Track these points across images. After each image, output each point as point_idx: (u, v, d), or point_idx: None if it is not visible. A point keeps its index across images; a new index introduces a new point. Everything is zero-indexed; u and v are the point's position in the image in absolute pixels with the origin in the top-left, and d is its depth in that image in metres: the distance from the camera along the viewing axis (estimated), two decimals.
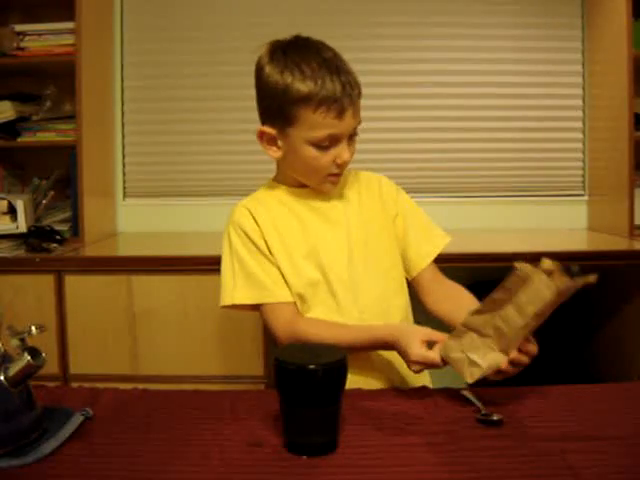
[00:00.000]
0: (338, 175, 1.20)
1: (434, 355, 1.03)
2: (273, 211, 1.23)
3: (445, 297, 1.25)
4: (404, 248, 1.29)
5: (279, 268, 1.20)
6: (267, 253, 1.20)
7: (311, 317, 1.20)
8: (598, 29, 2.41)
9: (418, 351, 1.03)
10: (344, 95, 1.11)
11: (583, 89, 2.54)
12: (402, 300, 1.27)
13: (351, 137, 1.18)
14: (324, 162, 1.16)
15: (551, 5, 2.52)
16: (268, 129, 1.18)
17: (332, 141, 1.14)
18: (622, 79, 2.19)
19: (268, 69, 1.16)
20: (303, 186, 1.25)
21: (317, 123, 1.12)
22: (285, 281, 1.20)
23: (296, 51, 1.15)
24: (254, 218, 1.21)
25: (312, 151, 1.15)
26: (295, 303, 1.20)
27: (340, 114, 1.12)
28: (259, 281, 1.18)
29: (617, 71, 2.24)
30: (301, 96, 1.11)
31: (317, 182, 1.21)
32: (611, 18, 2.29)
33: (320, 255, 1.21)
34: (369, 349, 1.16)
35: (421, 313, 1.29)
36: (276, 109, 1.15)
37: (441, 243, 1.30)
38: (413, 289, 1.31)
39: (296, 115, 1.13)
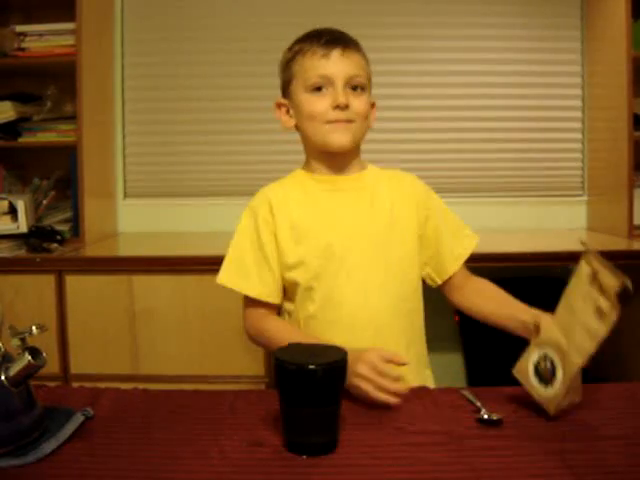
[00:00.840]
0: (341, 122, 1.18)
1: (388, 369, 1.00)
2: (295, 202, 1.23)
3: (473, 292, 1.26)
4: (436, 250, 1.27)
5: (278, 263, 1.20)
6: (268, 250, 1.20)
7: (281, 320, 1.23)
8: (598, 29, 2.41)
9: (375, 357, 1.01)
10: (331, 40, 1.18)
11: (583, 89, 2.54)
12: (414, 304, 1.25)
13: (354, 88, 1.19)
14: (321, 106, 1.18)
15: (551, 5, 2.53)
16: (282, 100, 1.26)
17: (326, 83, 1.18)
18: (622, 79, 2.19)
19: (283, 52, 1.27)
20: (332, 174, 1.25)
21: (308, 66, 1.19)
22: (278, 280, 1.20)
23: (309, 32, 1.24)
24: (272, 209, 1.22)
25: (308, 97, 1.19)
26: (274, 306, 1.22)
27: (326, 54, 1.17)
28: (245, 270, 1.20)
29: (617, 71, 2.24)
30: (295, 51, 1.21)
31: (321, 134, 1.20)
32: (611, 18, 2.29)
33: (337, 250, 1.19)
34: None
35: (432, 316, 1.28)
36: (283, 77, 1.25)
37: (471, 244, 1.29)
38: (439, 287, 1.30)
39: (293, 69, 1.21)
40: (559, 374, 0.96)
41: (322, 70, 1.17)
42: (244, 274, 1.21)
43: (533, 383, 0.98)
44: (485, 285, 1.26)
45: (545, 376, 0.97)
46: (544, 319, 1.02)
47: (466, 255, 1.28)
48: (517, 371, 1.01)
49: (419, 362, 1.25)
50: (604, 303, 0.93)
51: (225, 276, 1.22)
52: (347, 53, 1.18)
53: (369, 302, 1.19)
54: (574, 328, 0.96)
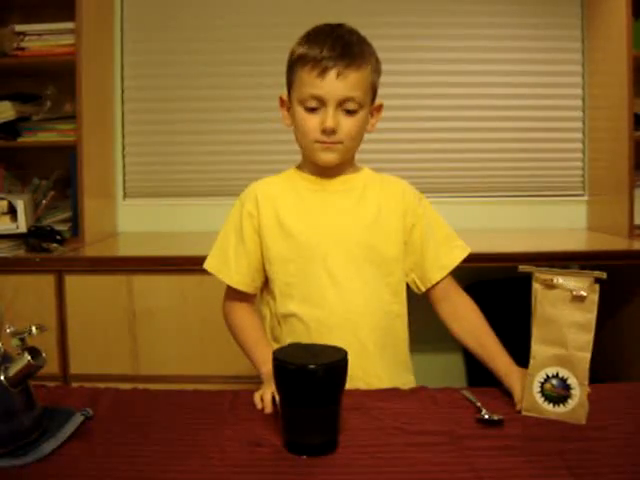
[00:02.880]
0: (327, 144, 1.18)
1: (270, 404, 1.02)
2: (282, 198, 1.25)
3: (454, 316, 1.24)
4: (421, 258, 1.26)
5: (259, 254, 1.24)
6: (248, 241, 1.23)
7: (247, 314, 1.26)
8: (598, 29, 2.41)
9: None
10: (331, 58, 1.14)
11: (583, 89, 2.55)
12: (395, 307, 1.25)
13: (348, 110, 1.17)
14: (310, 125, 1.17)
15: (551, 5, 2.53)
16: (285, 97, 1.25)
17: (318, 103, 1.16)
18: (622, 79, 2.20)
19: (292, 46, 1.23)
20: (324, 176, 1.25)
21: (304, 81, 1.16)
22: (255, 271, 1.24)
23: (319, 28, 1.21)
24: (257, 204, 1.24)
25: (301, 112, 1.18)
26: (249, 295, 1.26)
27: (322, 74, 1.14)
28: (226, 258, 1.25)
29: (617, 71, 2.24)
30: (298, 56, 1.18)
31: (309, 150, 1.21)
32: (611, 18, 2.29)
33: (318, 250, 1.20)
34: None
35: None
36: (287, 75, 1.23)
37: (459, 255, 1.27)
38: (425, 296, 1.28)
39: (294, 75, 1.20)
40: (573, 380, 0.96)
41: (316, 90, 1.15)
42: (225, 262, 1.25)
43: (548, 408, 0.97)
44: (466, 312, 1.24)
45: (556, 394, 0.97)
46: (516, 373, 1.05)
47: (452, 265, 1.26)
48: (527, 409, 0.99)
49: (396, 366, 1.25)
50: (580, 286, 0.95)
51: (209, 261, 1.28)
52: (345, 73, 1.15)
53: (348, 302, 1.20)
54: (562, 332, 0.97)
